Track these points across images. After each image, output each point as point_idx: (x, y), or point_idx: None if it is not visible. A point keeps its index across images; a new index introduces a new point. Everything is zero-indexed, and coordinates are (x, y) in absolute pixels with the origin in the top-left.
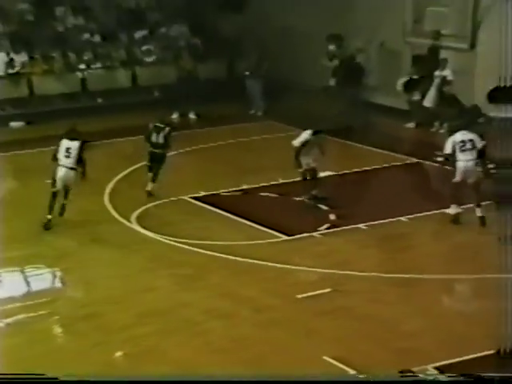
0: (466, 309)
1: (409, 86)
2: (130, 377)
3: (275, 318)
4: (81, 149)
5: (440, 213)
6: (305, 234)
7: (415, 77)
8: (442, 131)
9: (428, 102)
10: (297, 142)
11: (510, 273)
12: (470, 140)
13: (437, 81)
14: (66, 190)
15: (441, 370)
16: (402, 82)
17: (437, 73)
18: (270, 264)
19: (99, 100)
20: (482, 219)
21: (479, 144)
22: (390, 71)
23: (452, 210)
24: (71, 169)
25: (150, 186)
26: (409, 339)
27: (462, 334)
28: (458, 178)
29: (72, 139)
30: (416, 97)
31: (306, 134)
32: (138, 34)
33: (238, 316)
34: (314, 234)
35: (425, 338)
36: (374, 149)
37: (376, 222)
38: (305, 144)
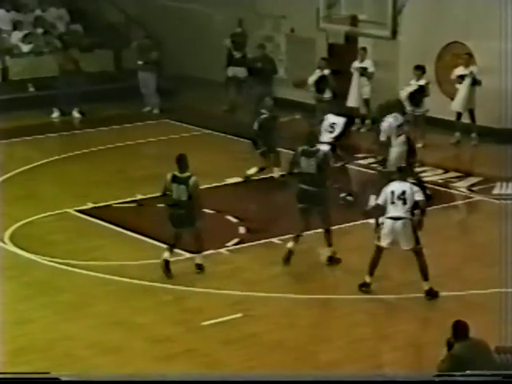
0: (389, 332)
1: (321, 85)
2: (131, 376)
3: (175, 349)
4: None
5: (361, 224)
6: (210, 251)
7: (326, 72)
8: (362, 130)
9: (352, 102)
10: None
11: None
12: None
13: (356, 74)
14: None
15: None
16: (314, 78)
17: (356, 64)
18: (168, 286)
19: None
20: None
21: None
22: (301, 62)
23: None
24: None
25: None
26: (327, 370)
27: (387, 362)
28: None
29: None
30: (327, 95)
31: None
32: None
33: (130, 349)
34: (221, 250)
35: (345, 367)
36: (285, 150)
37: (291, 236)
38: None
